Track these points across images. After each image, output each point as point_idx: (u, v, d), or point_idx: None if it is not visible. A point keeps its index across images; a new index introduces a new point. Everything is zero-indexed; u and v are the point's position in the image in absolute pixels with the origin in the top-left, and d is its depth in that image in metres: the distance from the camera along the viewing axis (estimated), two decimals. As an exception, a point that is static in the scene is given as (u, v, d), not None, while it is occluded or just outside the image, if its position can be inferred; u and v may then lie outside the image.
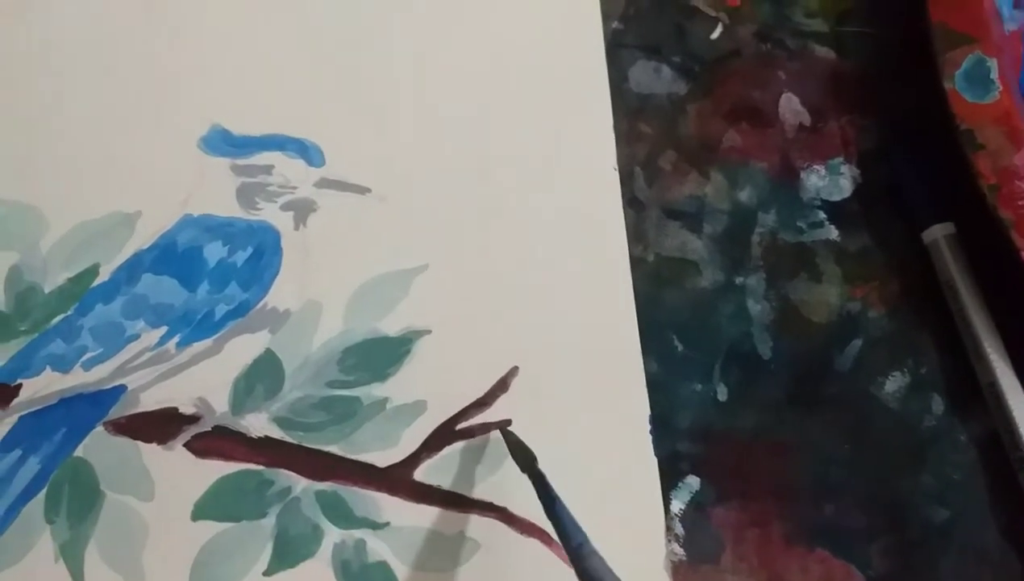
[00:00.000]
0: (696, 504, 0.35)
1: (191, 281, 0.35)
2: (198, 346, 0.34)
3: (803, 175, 0.40)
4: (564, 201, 0.37)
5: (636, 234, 0.38)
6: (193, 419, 0.33)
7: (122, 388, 0.34)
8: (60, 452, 0.33)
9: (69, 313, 0.34)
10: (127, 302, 0.35)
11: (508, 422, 0.34)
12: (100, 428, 0.33)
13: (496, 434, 0.34)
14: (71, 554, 0.32)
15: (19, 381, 0.33)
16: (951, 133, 0.37)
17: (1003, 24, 0.38)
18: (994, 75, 0.36)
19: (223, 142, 0.37)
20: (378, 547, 0.32)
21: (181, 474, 0.33)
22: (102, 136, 0.37)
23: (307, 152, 0.37)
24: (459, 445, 0.34)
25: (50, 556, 0.32)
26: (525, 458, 0.32)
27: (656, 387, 0.36)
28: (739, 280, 0.38)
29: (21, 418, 0.33)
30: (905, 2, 0.41)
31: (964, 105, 0.36)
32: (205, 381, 0.34)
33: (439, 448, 0.34)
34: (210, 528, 0.32)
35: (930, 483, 0.36)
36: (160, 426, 0.33)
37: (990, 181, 0.35)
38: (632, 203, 0.39)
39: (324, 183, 0.37)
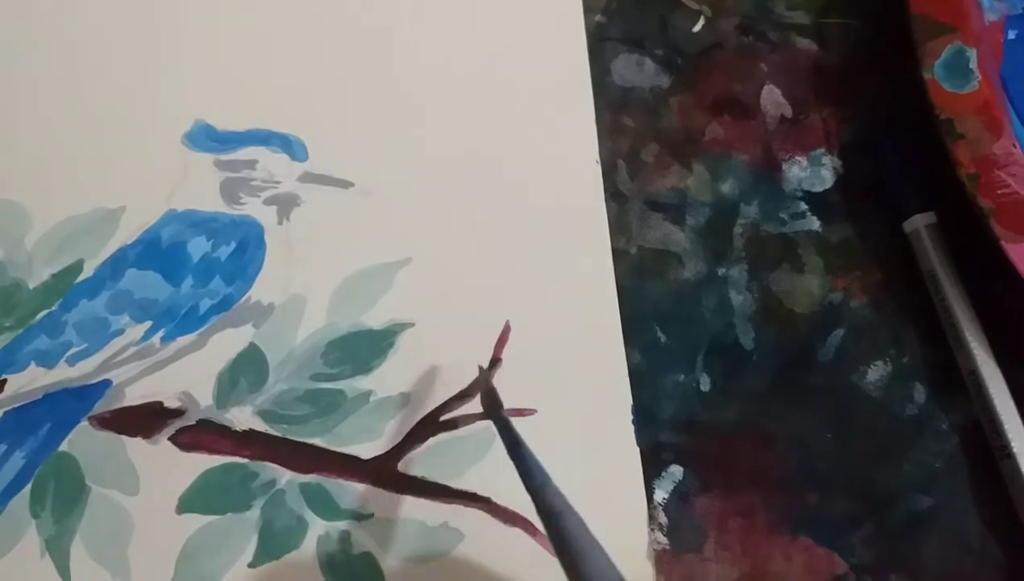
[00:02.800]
0: (679, 494, 0.35)
1: (175, 276, 0.35)
2: (182, 340, 0.34)
3: (785, 167, 0.40)
4: (547, 194, 0.37)
5: (619, 226, 0.38)
6: (178, 413, 0.34)
7: (107, 383, 0.34)
8: (45, 447, 0.33)
9: (53, 309, 0.34)
10: (111, 297, 0.35)
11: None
12: (85, 423, 0.33)
13: (480, 424, 0.34)
14: (57, 548, 0.32)
15: (3, 376, 0.34)
16: (931, 123, 0.37)
17: (983, 14, 0.38)
18: (973, 65, 0.37)
19: (206, 137, 0.37)
20: (362, 538, 0.33)
21: (166, 468, 0.33)
22: (86, 132, 0.37)
23: (290, 147, 0.37)
24: (443, 437, 0.34)
25: (36, 551, 0.32)
26: (491, 403, 0.32)
27: (639, 378, 0.36)
28: (721, 271, 0.38)
29: (5, 413, 0.33)
30: (886, -7, 0.41)
31: (943, 95, 0.37)
32: (189, 375, 0.34)
33: (423, 440, 0.34)
34: (195, 521, 0.32)
35: (912, 471, 0.36)
36: (145, 420, 0.33)
37: (969, 170, 0.36)
38: (615, 196, 0.39)
39: (308, 177, 0.37)
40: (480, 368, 0.34)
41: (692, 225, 0.39)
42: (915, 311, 0.38)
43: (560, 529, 0.26)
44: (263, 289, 0.35)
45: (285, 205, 0.36)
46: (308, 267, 0.36)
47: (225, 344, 0.34)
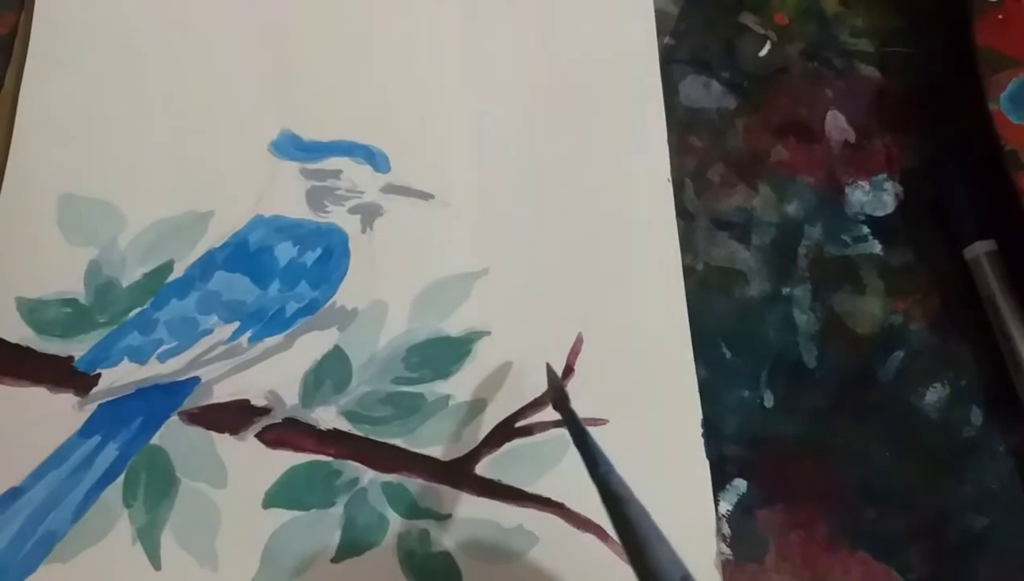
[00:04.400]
0: (743, 506, 0.36)
1: (263, 279, 0.36)
2: (269, 341, 0.36)
3: (848, 190, 0.41)
4: (620, 210, 0.39)
5: (686, 243, 0.39)
6: (264, 411, 0.35)
7: (196, 380, 0.35)
8: (137, 439, 0.34)
9: (145, 307, 0.36)
10: (201, 298, 0.36)
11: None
12: (175, 417, 0.34)
13: (555, 431, 0.35)
14: (148, 537, 0.33)
15: (98, 371, 0.35)
16: (995, 153, 0.38)
17: (1047, 49, 0.39)
18: (1039, 98, 0.38)
19: (292, 147, 0.38)
20: (441, 537, 0.34)
21: (253, 463, 0.34)
22: (178, 139, 0.38)
23: (374, 158, 0.38)
24: (518, 442, 0.35)
25: (128, 538, 0.33)
26: (558, 394, 0.33)
27: (704, 392, 0.37)
28: (785, 291, 0.39)
29: (100, 406, 0.34)
30: (949, 24, 0.42)
31: (1009, 126, 0.38)
32: (276, 375, 0.35)
33: (499, 444, 0.35)
34: (280, 516, 0.34)
35: (969, 491, 0.37)
36: (233, 417, 0.35)
37: (1034, 201, 0.37)
38: (682, 213, 0.40)
39: (390, 188, 0.38)
40: (548, 365, 0.35)
41: (757, 244, 0.40)
42: (973, 335, 0.39)
43: (626, 515, 0.27)
44: (347, 295, 0.36)
45: (368, 215, 0.38)
46: (390, 275, 0.37)
47: (311, 346, 0.36)
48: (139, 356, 0.35)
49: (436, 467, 0.35)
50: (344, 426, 0.35)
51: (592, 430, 0.34)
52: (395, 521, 0.34)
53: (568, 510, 0.34)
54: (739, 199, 0.41)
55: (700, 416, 0.36)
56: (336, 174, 0.38)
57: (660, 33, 0.43)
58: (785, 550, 0.36)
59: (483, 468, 0.35)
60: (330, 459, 0.34)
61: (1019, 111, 0.38)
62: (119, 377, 0.35)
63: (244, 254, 0.37)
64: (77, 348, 0.35)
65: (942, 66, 0.43)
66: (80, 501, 0.33)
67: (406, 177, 0.38)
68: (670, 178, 0.39)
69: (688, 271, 0.39)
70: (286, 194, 0.38)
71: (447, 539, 0.34)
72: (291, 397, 0.35)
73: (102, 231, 0.37)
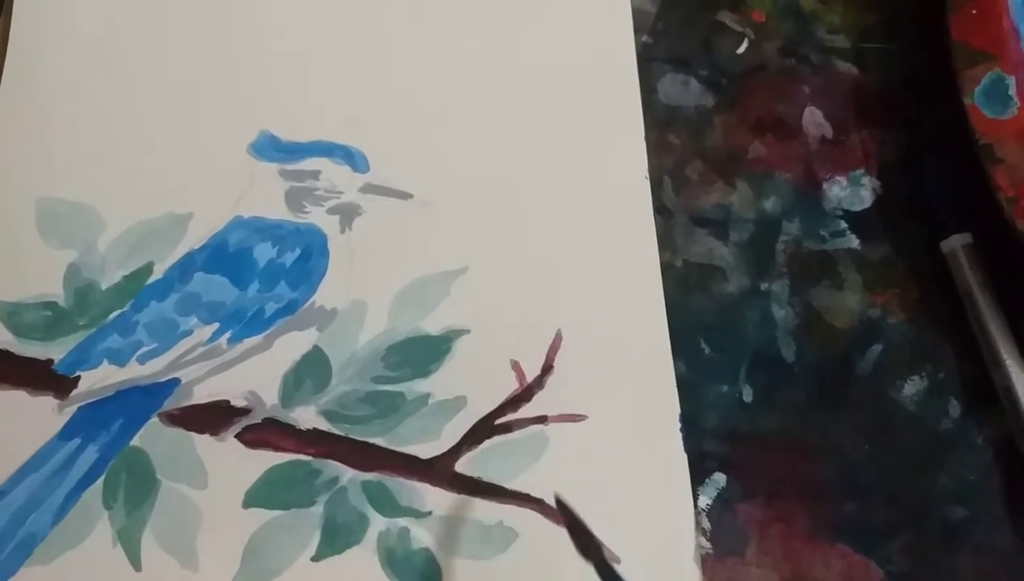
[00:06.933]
0: (723, 500, 0.36)
1: (242, 280, 0.36)
2: (249, 342, 0.36)
3: (825, 186, 0.41)
4: (598, 208, 0.39)
5: (664, 240, 0.39)
6: (244, 411, 0.35)
7: (176, 381, 0.35)
8: (117, 441, 0.34)
9: (125, 309, 0.36)
10: (180, 299, 0.36)
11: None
12: (155, 419, 0.35)
13: (534, 428, 0.35)
14: (128, 539, 0.33)
15: (78, 373, 0.35)
16: (970, 147, 0.38)
17: (1020, 42, 0.39)
18: (1012, 92, 0.38)
19: (271, 147, 0.38)
20: (421, 535, 0.34)
21: (233, 464, 0.34)
22: (156, 140, 0.38)
23: (352, 158, 0.38)
24: (498, 439, 0.35)
25: (108, 540, 0.33)
26: (589, 547, 0.30)
27: (684, 388, 0.37)
28: (764, 286, 0.39)
29: (80, 408, 0.34)
30: (925, 20, 0.42)
31: (983, 120, 0.38)
32: (256, 375, 0.35)
33: (479, 442, 0.35)
34: (261, 516, 0.34)
35: (947, 483, 0.37)
36: (213, 418, 0.35)
37: (1008, 194, 0.37)
38: (660, 210, 0.40)
39: (369, 188, 0.38)
40: (580, 523, 0.31)
41: (736, 241, 0.40)
42: (951, 328, 0.39)
43: None
44: (326, 294, 0.36)
45: (347, 215, 0.38)
46: (369, 274, 0.37)
47: (290, 346, 0.36)
48: (119, 358, 0.35)
49: (416, 465, 0.35)
50: (324, 426, 0.35)
51: (571, 426, 0.35)
52: (375, 520, 0.34)
53: (548, 506, 0.34)
54: (717, 196, 0.41)
55: (678, 411, 0.36)
56: (315, 175, 0.38)
57: (638, 31, 0.43)
58: (765, 544, 0.36)
59: (463, 465, 0.35)
60: (310, 458, 0.34)
61: (993, 105, 0.38)
62: (99, 379, 0.35)
63: (223, 255, 0.37)
64: (57, 351, 0.35)
65: (918, 61, 0.43)
66: (60, 503, 0.33)
67: (385, 177, 0.38)
68: (647, 175, 0.40)
69: (667, 267, 0.39)
70: (265, 195, 0.38)
71: (427, 537, 0.34)
72: (271, 397, 0.35)
73: (81, 233, 0.37)
